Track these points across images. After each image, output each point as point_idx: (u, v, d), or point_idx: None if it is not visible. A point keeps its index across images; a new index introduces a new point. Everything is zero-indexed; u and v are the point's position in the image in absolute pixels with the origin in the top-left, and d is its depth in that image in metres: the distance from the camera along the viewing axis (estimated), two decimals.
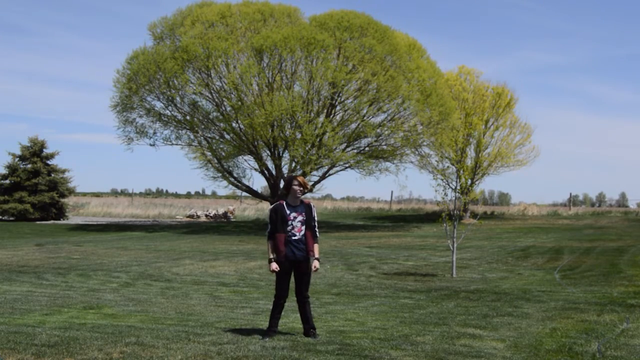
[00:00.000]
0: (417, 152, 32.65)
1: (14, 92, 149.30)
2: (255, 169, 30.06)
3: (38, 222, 31.39)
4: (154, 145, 29.78)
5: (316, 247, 6.68)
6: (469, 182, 33.13)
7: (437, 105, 27.22)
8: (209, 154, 29.69)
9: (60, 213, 34.30)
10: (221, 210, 39.06)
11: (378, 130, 27.90)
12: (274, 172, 29.47)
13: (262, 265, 14.49)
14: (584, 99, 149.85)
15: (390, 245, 19.69)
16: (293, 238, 6.58)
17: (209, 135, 29.47)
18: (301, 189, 6.68)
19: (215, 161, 29.72)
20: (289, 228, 6.58)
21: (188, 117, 28.74)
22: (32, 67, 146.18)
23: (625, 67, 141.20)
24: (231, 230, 27.18)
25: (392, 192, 62.20)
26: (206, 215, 38.35)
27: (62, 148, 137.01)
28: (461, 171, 31.11)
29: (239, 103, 26.75)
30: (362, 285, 11.38)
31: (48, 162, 34.21)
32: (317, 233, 6.75)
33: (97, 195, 62.58)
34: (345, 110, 28.59)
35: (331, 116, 28.26)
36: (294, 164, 28.47)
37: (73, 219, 35.04)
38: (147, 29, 29.52)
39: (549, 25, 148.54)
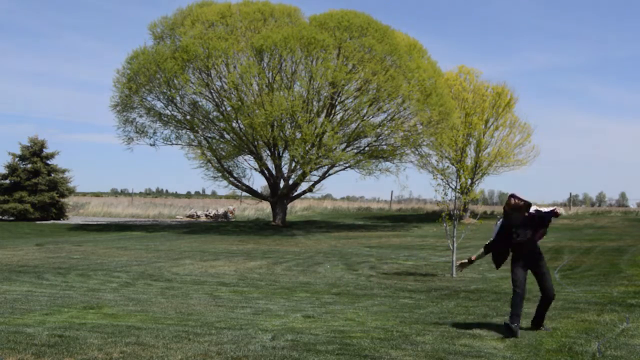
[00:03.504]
0: (417, 152, 32.63)
1: (14, 92, 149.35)
2: (255, 169, 30.10)
3: (38, 222, 31.37)
4: (154, 145, 29.83)
5: None
6: (469, 181, 33.11)
7: (437, 105, 27.22)
8: (209, 153, 29.70)
9: (60, 213, 34.28)
10: (221, 210, 39.05)
11: (378, 130, 27.92)
12: (274, 172, 29.49)
13: (262, 265, 14.50)
14: (584, 99, 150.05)
15: (390, 245, 19.69)
16: None
17: (209, 135, 29.49)
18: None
19: (215, 161, 29.73)
20: None
21: (188, 117, 28.74)
22: (33, 68, 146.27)
23: (625, 68, 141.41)
24: (231, 230, 27.17)
25: (392, 191, 62.33)
26: (206, 215, 38.34)
27: (63, 148, 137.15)
28: (461, 171, 31.11)
29: (239, 103, 26.76)
30: (362, 285, 11.37)
31: (48, 162, 34.18)
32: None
33: (97, 195, 62.49)
34: (345, 110, 28.61)
35: (331, 116, 28.28)
36: (293, 164, 28.50)
37: (73, 219, 35.01)
38: (147, 28, 29.57)
39: (550, 26, 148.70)
